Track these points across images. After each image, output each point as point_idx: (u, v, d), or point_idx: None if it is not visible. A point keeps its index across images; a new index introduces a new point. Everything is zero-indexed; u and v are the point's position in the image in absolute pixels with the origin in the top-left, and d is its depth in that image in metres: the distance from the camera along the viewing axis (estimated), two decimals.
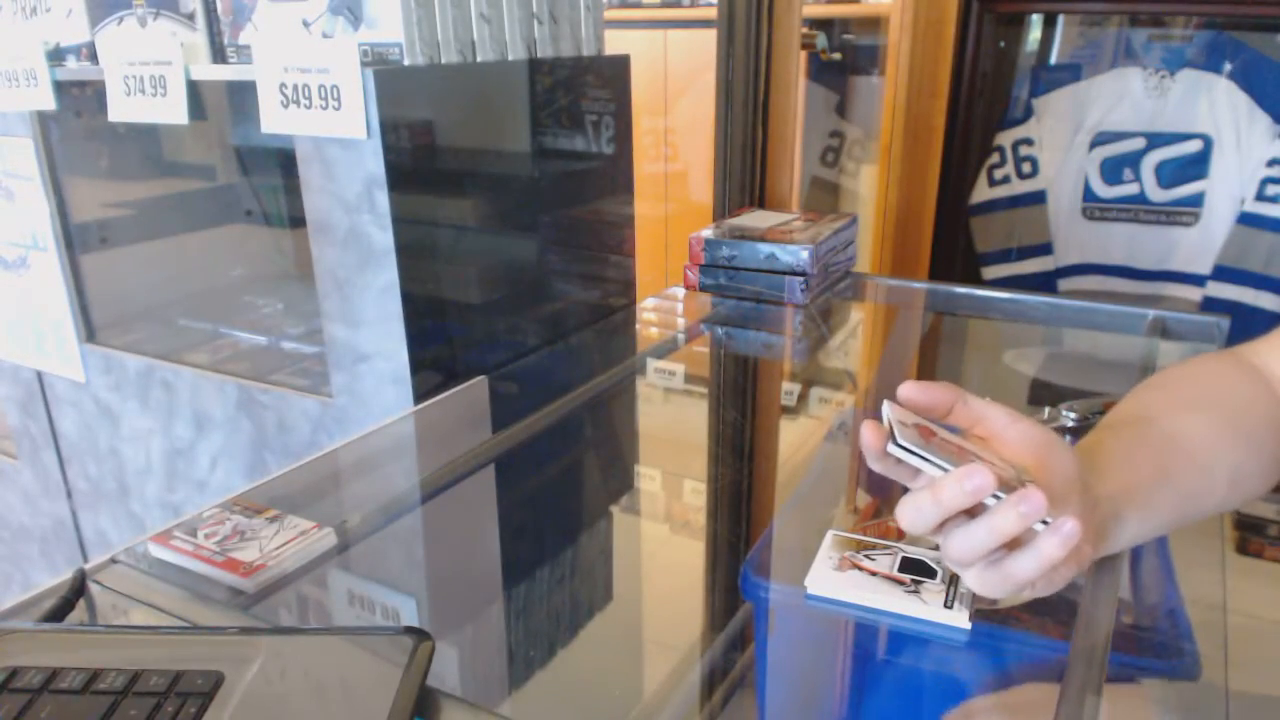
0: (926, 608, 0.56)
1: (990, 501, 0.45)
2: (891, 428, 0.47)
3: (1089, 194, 1.72)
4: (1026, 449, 0.49)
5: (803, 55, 1.57)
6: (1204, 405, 0.58)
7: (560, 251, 1.11)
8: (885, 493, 0.79)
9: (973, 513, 0.47)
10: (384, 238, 0.88)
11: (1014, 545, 0.47)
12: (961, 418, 0.51)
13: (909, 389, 0.50)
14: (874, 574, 0.59)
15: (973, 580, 0.49)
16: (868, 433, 0.48)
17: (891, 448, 0.46)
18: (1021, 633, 0.57)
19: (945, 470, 0.46)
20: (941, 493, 0.45)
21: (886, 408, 0.49)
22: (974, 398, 0.51)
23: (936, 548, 0.61)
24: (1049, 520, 0.45)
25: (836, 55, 2.08)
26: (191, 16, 0.99)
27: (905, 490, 0.50)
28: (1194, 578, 0.62)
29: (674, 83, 2.25)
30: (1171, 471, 0.54)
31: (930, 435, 0.48)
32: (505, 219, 1.02)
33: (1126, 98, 1.66)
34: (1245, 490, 0.57)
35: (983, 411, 0.51)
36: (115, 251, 1.27)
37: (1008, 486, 0.45)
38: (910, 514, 0.47)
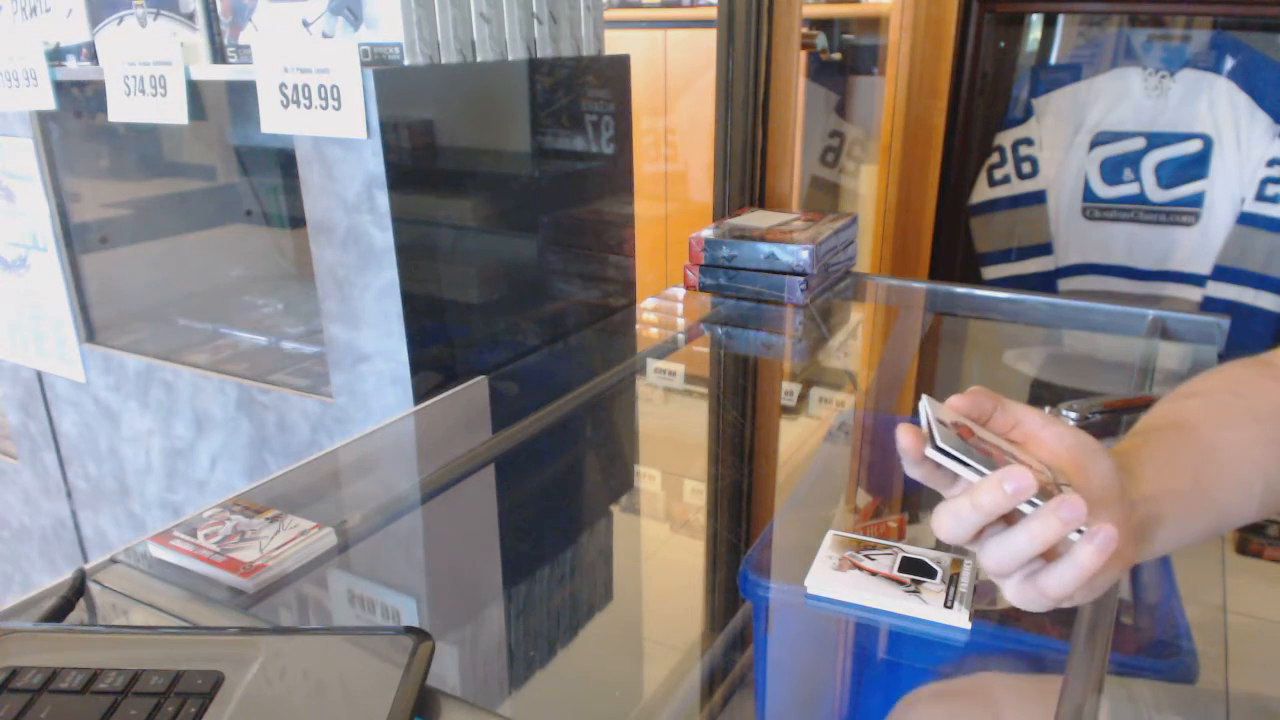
0: (926, 608, 0.56)
1: (1026, 508, 0.44)
2: (930, 428, 0.45)
3: (1089, 194, 1.72)
4: (1063, 452, 0.48)
5: (803, 55, 1.57)
6: (1241, 417, 0.57)
7: (560, 251, 1.11)
8: (885, 493, 0.79)
9: (1010, 521, 0.45)
10: (384, 238, 0.88)
11: (1050, 555, 0.45)
12: (1000, 423, 0.50)
13: (955, 402, 0.49)
14: (874, 574, 0.59)
15: (1011, 594, 0.48)
16: (905, 437, 0.46)
17: (930, 451, 0.44)
18: (1021, 633, 0.57)
19: (984, 475, 0.44)
20: (980, 496, 0.43)
21: (925, 404, 0.47)
22: (1011, 402, 0.50)
23: (936, 547, 0.61)
24: (1084, 529, 0.43)
25: (836, 55, 2.08)
26: (191, 16, 0.99)
27: (915, 489, 0.50)
28: (1194, 578, 0.62)
29: (674, 83, 2.25)
30: (1209, 481, 0.53)
31: (969, 435, 0.47)
32: (505, 219, 1.02)
33: (1126, 98, 1.66)
34: (1276, 503, 0.56)
35: (1019, 415, 0.50)
36: (115, 251, 1.27)
37: (1045, 492, 0.44)
38: (949, 522, 0.45)
